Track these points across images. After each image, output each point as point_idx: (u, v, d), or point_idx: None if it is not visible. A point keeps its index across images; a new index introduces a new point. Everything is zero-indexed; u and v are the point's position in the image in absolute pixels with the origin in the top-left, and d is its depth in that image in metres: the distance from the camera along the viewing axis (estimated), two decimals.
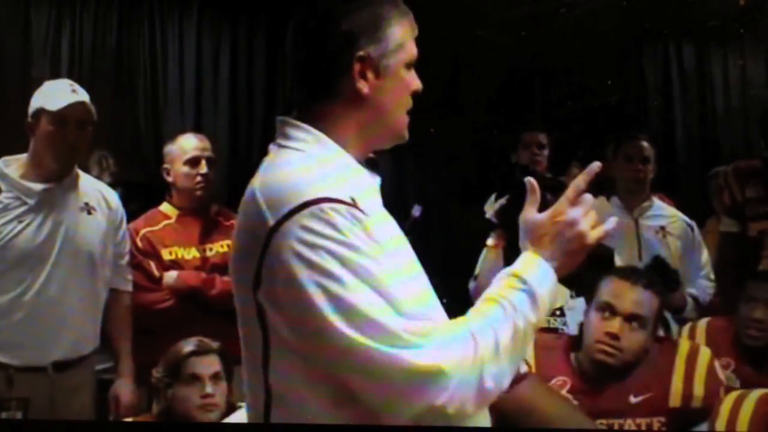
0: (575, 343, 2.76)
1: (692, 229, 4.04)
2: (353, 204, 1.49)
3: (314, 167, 1.54)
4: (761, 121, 4.02)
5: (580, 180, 1.62)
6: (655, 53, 6.77)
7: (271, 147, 1.64)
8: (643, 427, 2.64)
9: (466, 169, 5.86)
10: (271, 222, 1.47)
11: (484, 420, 1.62)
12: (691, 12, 6.17)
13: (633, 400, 2.65)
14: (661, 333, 3.32)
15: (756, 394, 2.58)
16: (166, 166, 3.61)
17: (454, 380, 1.45)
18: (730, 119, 6.72)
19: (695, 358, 2.72)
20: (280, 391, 1.53)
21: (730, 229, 3.87)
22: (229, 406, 2.79)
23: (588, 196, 1.61)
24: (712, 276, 3.98)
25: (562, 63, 6.29)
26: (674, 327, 3.87)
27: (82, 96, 3.19)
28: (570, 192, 1.61)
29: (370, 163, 1.70)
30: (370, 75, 1.59)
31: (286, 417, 1.53)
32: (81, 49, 5.64)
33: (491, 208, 3.37)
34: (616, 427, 2.63)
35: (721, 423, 2.54)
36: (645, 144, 4.06)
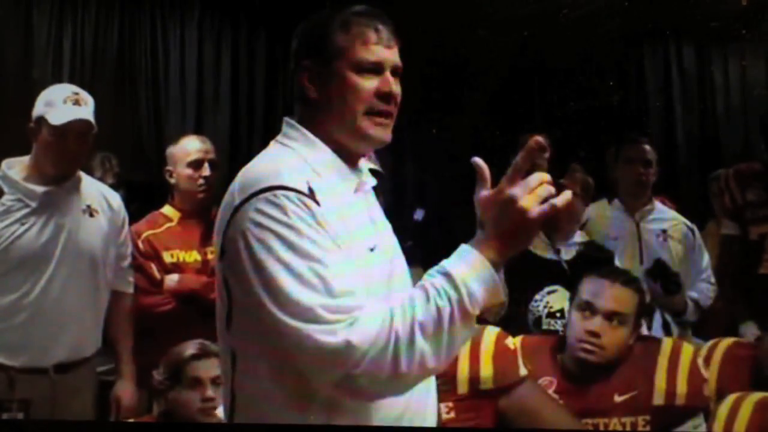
0: (561, 344, 2.77)
1: (693, 232, 4.05)
2: (308, 194, 1.63)
3: (286, 160, 1.72)
4: (762, 122, 4.02)
5: (519, 158, 1.64)
6: (655, 54, 6.77)
7: (271, 143, 1.83)
8: (628, 426, 2.66)
9: (466, 170, 5.86)
10: (236, 202, 1.65)
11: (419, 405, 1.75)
12: (692, 13, 6.17)
13: (617, 399, 2.68)
14: (646, 331, 3.33)
15: (754, 397, 2.59)
16: (168, 168, 3.61)
17: (367, 355, 1.55)
18: (731, 121, 6.72)
19: (678, 355, 2.74)
20: (240, 348, 1.72)
21: (730, 232, 3.87)
22: None
23: (535, 175, 1.63)
24: (713, 279, 3.98)
25: (564, 63, 6.30)
26: (675, 329, 3.87)
27: (85, 110, 3.16)
28: (510, 171, 1.63)
29: (373, 173, 1.76)
30: (317, 81, 1.76)
31: (246, 372, 1.70)
32: (83, 50, 5.65)
33: None
34: (601, 426, 2.65)
35: (719, 425, 2.55)
36: (647, 147, 4.06)
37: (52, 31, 5.57)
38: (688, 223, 4.07)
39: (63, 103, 3.13)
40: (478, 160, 1.68)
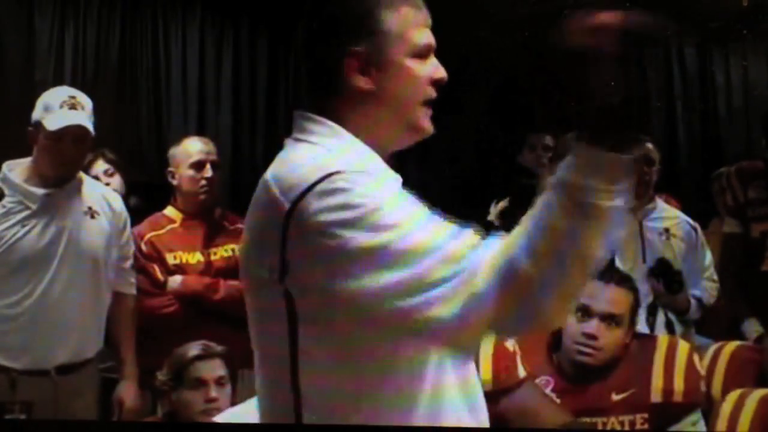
0: (557, 342, 2.77)
1: (696, 230, 4.03)
2: (362, 172, 1.45)
3: (329, 155, 1.50)
4: (764, 120, 4.02)
5: None
6: (656, 54, 6.76)
7: (287, 141, 1.60)
8: (626, 425, 2.66)
9: (469, 170, 5.86)
10: (287, 206, 1.43)
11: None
12: (693, 12, 6.16)
13: (615, 397, 2.67)
14: (642, 329, 3.32)
15: (758, 393, 2.59)
16: (170, 169, 3.61)
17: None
18: (732, 120, 6.71)
19: (674, 353, 2.75)
20: (311, 387, 1.48)
21: (733, 230, 3.87)
22: None
23: None
24: (716, 277, 3.97)
25: (564, 63, 6.28)
26: (678, 328, 3.87)
27: (81, 114, 3.16)
28: None
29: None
30: (370, 69, 1.53)
31: (319, 412, 1.48)
32: (84, 51, 5.64)
33: (494, 209, 3.37)
34: (599, 425, 2.65)
35: (722, 423, 2.55)
36: (650, 146, 4.05)
37: (54, 32, 5.56)
38: (691, 221, 4.06)
39: (59, 108, 3.13)
40: None
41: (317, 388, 1.48)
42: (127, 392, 3.33)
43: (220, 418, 2.64)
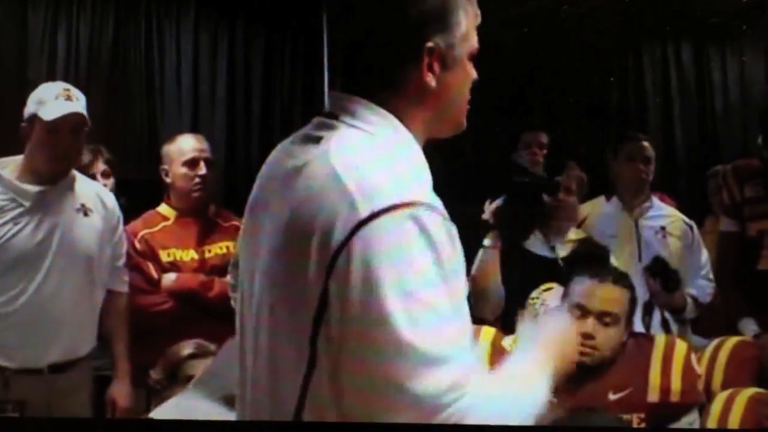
0: None
1: (692, 229, 4.03)
2: (445, 215, 1.42)
3: (400, 160, 1.46)
4: (761, 118, 4.02)
5: None
6: (653, 51, 6.76)
7: (333, 123, 1.51)
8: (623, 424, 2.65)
9: (466, 167, 5.85)
10: (364, 213, 1.37)
11: None
12: (693, 9, 6.16)
13: (612, 397, 2.67)
14: (638, 328, 3.31)
15: (747, 392, 2.58)
16: (164, 167, 3.60)
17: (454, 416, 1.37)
18: (729, 118, 6.72)
19: (671, 352, 2.74)
20: (329, 360, 1.40)
21: (729, 228, 3.86)
22: None
23: None
24: (712, 276, 3.97)
25: (564, 60, 6.29)
26: (674, 327, 3.86)
27: (77, 104, 3.16)
28: None
29: None
30: (437, 67, 1.50)
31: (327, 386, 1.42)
32: (77, 49, 5.62)
33: (488, 207, 3.37)
34: None
35: (712, 422, 2.55)
36: (646, 144, 4.05)
37: (47, 30, 5.54)
38: (687, 219, 4.06)
39: (55, 99, 3.13)
40: None
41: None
42: (120, 391, 3.32)
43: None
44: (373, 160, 1.44)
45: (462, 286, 1.44)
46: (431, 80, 1.50)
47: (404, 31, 1.49)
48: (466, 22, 1.54)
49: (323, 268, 1.38)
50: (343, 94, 1.53)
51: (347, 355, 1.38)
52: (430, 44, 1.49)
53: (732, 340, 3.07)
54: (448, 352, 1.36)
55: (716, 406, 2.60)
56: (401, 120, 1.51)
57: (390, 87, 1.51)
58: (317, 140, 1.50)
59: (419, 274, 1.36)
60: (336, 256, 1.37)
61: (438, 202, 1.42)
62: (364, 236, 1.36)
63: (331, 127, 1.50)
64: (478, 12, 1.58)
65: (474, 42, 1.56)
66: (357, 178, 1.40)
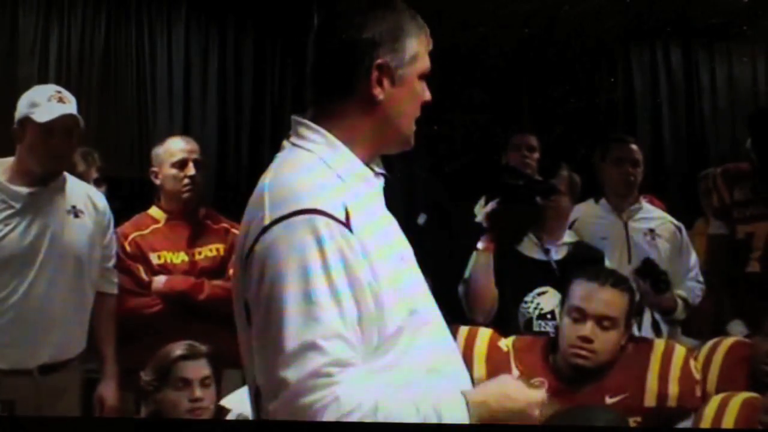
0: (553, 344, 2.77)
1: (680, 231, 4.05)
2: (344, 222, 1.58)
3: (319, 174, 1.65)
4: (749, 121, 4.03)
5: None
6: (642, 54, 6.79)
7: (285, 144, 1.75)
8: None
9: (461, 169, 5.86)
10: (267, 221, 1.58)
11: None
12: (694, 11, 6.19)
13: (609, 400, 2.67)
14: (636, 331, 3.32)
15: (740, 397, 2.58)
16: (154, 169, 3.60)
17: (340, 412, 1.51)
18: (717, 120, 6.75)
19: (670, 357, 2.74)
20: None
21: (718, 231, 3.88)
22: (217, 409, 2.78)
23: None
24: (701, 278, 3.98)
25: (563, 61, 6.30)
26: (664, 328, 3.87)
27: (70, 106, 3.16)
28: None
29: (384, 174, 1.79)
30: (386, 82, 1.70)
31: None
32: (69, 52, 5.62)
33: (482, 209, 3.36)
34: None
35: (705, 425, 2.54)
36: (634, 147, 4.06)
37: (39, 31, 5.54)
38: (675, 221, 4.07)
39: (48, 102, 3.13)
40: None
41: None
42: (108, 391, 3.31)
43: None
44: (293, 177, 1.65)
45: (360, 286, 1.58)
46: (379, 93, 1.70)
47: (359, 50, 1.70)
48: (417, 46, 1.73)
49: (242, 273, 1.63)
50: (296, 117, 1.75)
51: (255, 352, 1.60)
52: (380, 61, 1.69)
53: (728, 340, 3.07)
54: (318, 341, 1.52)
55: (710, 410, 2.59)
56: (348, 128, 1.71)
57: (344, 97, 1.71)
58: (273, 162, 1.74)
59: (304, 271, 1.54)
60: (248, 257, 1.61)
61: (340, 210, 1.59)
62: (263, 240, 1.58)
63: (283, 149, 1.75)
64: (430, 39, 1.77)
65: (424, 63, 1.75)
66: (273, 193, 1.62)
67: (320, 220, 1.56)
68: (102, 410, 3.29)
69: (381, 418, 1.53)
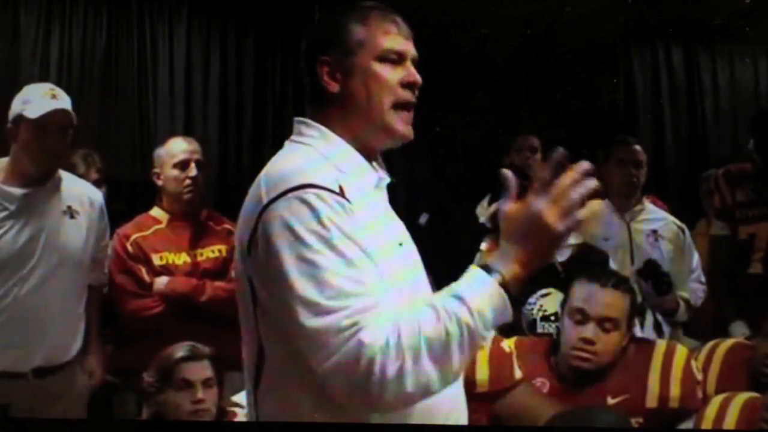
0: (554, 346, 2.76)
1: (683, 232, 4.04)
2: (338, 192, 1.60)
3: (313, 159, 1.68)
4: (752, 122, 4.03)
5: (545, 171, 1.62)
6: (644, 54, 6.78)
7: (286, 142, 1.78)
8: None
9: (465, 169, 5.86)
10: (265, 200, 1.60)
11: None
12: (696, 12, 6.18)
13: (610, 401, 2.65)
14: (639, 332, 3.31)
15: (741, 398, 2.57)
16: (155, 170, 3.59)
17: (376, 358, 1.51)
18: (720, 121, 6.74)
19: (671, 358, 2.72)
20: (268, 349, 1.66)
21: (720, 232, 3.87)
22: (219, 411, 2.77)
23: (558, 187, 1.60)
24: (703, 279, 3.98)
25: (565, 62, 6.30)
26: (666, 329, 3.87)
27: (63, 102, 3.15)
28: (537, 184, 1.62)
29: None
30: (338, 75, 1.72)
31: (272, 375, 1.66)
32: (70, 54, 5.62)
33: (484, 210, 3.35)
34: None
35: (706, 426, 2.54)
36: (638, 148, 4.06)
37: (40, 32, 5.54)
38: (678, 222, 4.07)
39: (40, 98, 3.12)
40: (507, 173, 1.65)
41: (272, 356, 1.66)
42: (96, 362, 3.34)
43: None
44: (290, 161, 1.69)
45: (362, 244, 1.59)
46: (334, 87, 1.72)
47: (309, 53, 1.75)
48: (364, 32, 1.73)
49: (244, 258, 1.64)
50: (297, 118, 1.78)
51: (271, 326, 1.63)
52: (323, 57, 1.72)
53: (727, 342, 3.06)
54: (335, 299, 1.53)
55: (711, 411, 2.58)
56: (338, 129, 1.73)
57: (318, 101, 1.75)
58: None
59: (307, 239, 1.55)
60: (250, 244, 1.62)
61: (334, 185, 1.60)
62: (263, 218, 1.60)
63: (282, 147, 1.77)
64: (390, 18, 1.76)
65: (378, 45, 1.72)
66: (268, 180, 1.64)
67: (314, 191, 1.58)
68: (92, 379, 3.35)
69: (408, 335, 1.52)
